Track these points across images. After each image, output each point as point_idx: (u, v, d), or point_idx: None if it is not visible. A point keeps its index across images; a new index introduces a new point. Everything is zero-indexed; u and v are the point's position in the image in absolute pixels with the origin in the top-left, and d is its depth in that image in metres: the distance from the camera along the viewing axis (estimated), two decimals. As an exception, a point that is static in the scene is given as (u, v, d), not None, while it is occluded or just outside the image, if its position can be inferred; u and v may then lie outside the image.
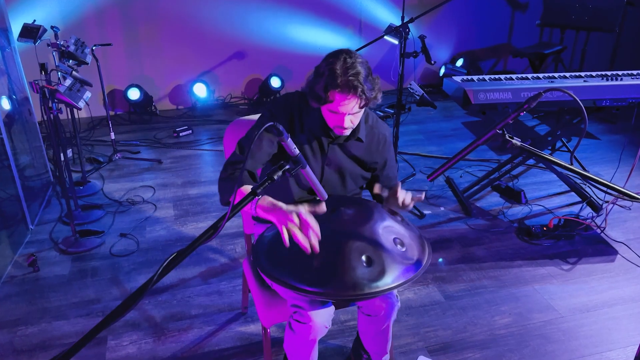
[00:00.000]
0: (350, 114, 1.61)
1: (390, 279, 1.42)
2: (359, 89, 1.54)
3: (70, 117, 3.53)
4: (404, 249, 1.51)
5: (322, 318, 1.63)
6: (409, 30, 3.13)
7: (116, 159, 4.04)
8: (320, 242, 1.41)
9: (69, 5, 4.56)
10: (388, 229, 1.55)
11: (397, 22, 3.26)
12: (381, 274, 1.42)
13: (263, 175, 1.69)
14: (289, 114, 1.73)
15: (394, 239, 1.53)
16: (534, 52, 5.06)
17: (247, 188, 1.62)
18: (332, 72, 1.53)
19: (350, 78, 1.52)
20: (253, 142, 1.30)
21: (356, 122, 1.67)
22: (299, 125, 1.73)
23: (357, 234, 1.50)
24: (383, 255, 1.46)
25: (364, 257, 1.44)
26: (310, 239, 1.36)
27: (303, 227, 1.38)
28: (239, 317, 2.42)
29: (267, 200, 1.49)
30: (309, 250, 1.35)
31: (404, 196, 1.68)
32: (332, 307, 1.68)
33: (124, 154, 4.12)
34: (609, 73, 3.16)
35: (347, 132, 1.68)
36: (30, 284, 2.65)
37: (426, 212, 3.30)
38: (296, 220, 1.38)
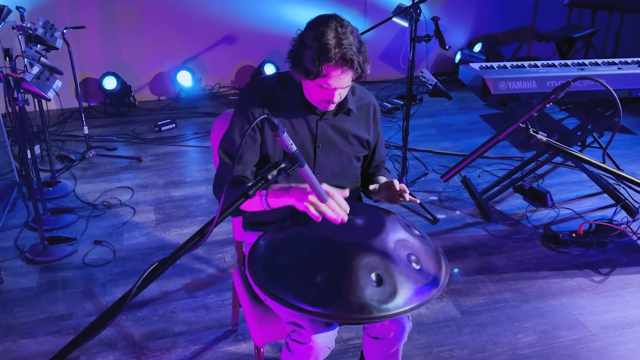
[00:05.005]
0: (341, 88, 1.64)
1: (402, 301, 1.41)
2: (355, 62, 1.57)
3: (38, 109, 3.53)
4: (418, 267, 1.50)
5: (325, 339, 1.63)
6: (421, 11, 3.13)
7: (90, 156, 4.04)
8: (325, 256, 1.46)
9: (37, -17, 4.56)
10: (402, 243, 1.54)
11: (407, 1, 3.26)
12: (392, 295, 1.41)
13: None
14: (261, 101, 1.75)
15: (408, 255, 1.52)
16: (562, 35, 5.06)
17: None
18: (324, 44, 1.54)
19: (345, 50, 1.55)
20: (243, 139, 1.31)
21: (344, 96, 1.71)
22: (275, 109, 1.75)
23: (366, 248, 1.49)
24: (395, 273, 1.45)
25: (373, 276, 1.43)
26: (336, 209, 1.48)
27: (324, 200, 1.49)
28: (228, 335, 2.42)
29: (276, 186, 1.58)
30: (339, 221, 1.49)
31: (401, 186, 1.72)
32: (337, 328, 1.68)
33: (98, 151, 4.12)
34: (646, 59, 3.16)
35: (333, 107, 1.72)
36: (-7, 297, 2.66)
37: (440, 216, 3.30)
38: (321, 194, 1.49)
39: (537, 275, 2.81)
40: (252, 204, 1.66)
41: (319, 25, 1.58)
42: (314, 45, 1.55)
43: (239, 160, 1.75)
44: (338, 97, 1.66)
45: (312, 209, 1.48)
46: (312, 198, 1.48)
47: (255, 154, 1.77)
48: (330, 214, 1.48)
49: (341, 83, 1.61)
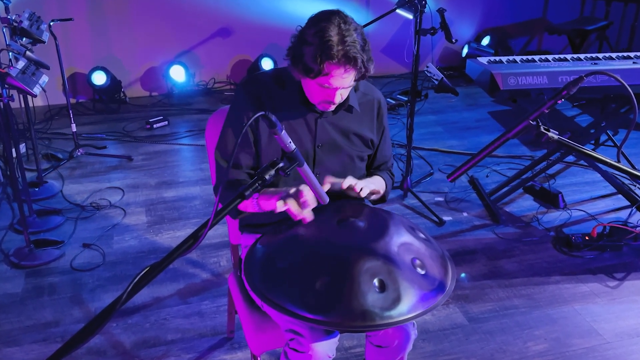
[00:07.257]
0: (343, 88, 1.63)
1: (406, 308, 1.41)
2: (359, 61, 1.57)
3: (23, 105, 3.53)
4: (423, 272, 1.51)
5: (325, 347, 1.63)
6: (426, 3, 3.13)
7: (78, 155, 4.04)
8: (325, 260, 1.47)
9: (22, -27, 4.56)
10: (406, 247, 1.55)
11: (412, -8, 3.26)
12: (396, 301, 1.42)
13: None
14: (257, 99, 1.74)
15: (413, 260, 1.52)
16: (574, 28, 5.06)
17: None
18: (326, 41, 1.53)
19: (348, 48, 1.54)
20: (239, 139, 1.30)
21: (345, 96, 1.70)
22: (272, 107, 1.74)
23: (369, 252, 1.49)
24: (399, 279, 1.45)
25: (376, 281, 1.43)
26: (303, 210, 1.54)
27: (296, 198, 1.55)
28: (224, 343, 2.42)
29: (269, 190, 1.63)
30: (297, 218, 1.53)
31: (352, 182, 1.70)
32: (338, 336, 1.68)
33: (87, 150, 4.12)
34: (663, 53, 3.16)
35: (333, 108, 1.72)
36: (-24, 303, 2.66)
37: (446, 218, 3.31)
38: (293, 192, 1.55)
39: (548, 280, 2.81)
40: (247, 206, 1.68)
41: (320, 20, 1.57)
42: (315, 42, 1.55)
43: (234, 164, 1.75)
44: (339, 97, 1.66)
45: (280, 205, 1.54)
46: (287, 197, 1.54)
47: (250, 155, 1.77)
48: (294, 210, 1.53)
49: (343, 83, 1.60)
